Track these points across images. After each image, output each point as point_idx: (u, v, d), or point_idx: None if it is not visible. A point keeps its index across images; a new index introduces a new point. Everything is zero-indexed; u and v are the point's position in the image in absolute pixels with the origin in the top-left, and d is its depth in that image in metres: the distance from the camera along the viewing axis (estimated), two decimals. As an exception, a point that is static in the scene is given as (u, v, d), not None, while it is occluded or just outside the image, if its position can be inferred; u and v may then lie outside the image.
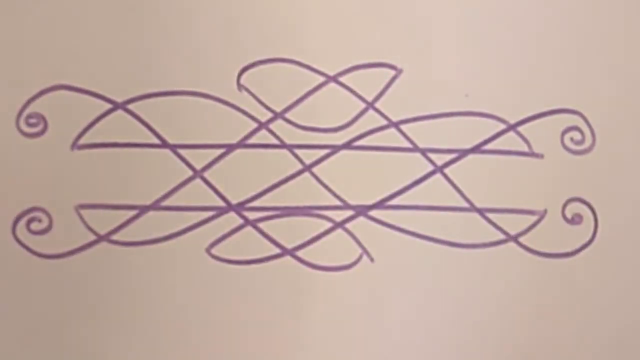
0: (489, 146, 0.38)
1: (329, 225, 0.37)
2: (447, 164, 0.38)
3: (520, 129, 0.38)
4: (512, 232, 0.38)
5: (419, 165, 0.38)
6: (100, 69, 0.37)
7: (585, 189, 0.38)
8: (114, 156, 0.37)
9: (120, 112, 0.37)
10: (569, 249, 0.38)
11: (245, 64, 0.38)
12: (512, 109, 0.39)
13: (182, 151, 0.37)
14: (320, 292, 0.37)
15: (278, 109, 0.38)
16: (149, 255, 0.37)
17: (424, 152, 0.38)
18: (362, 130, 0.38)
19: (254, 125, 0.38)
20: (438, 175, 0.38)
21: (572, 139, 0.39)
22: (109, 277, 0.36)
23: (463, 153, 0.38)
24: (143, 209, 0.37)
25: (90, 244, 0.36)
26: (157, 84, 0.37)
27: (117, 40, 0.37)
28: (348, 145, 0.38)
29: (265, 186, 0.37)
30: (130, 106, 0.37)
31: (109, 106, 0.37)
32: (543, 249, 0.38)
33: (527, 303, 0.38)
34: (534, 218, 0.38)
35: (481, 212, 0.38)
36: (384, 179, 0.38)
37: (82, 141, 0.37)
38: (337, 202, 0.38)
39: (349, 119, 0.38)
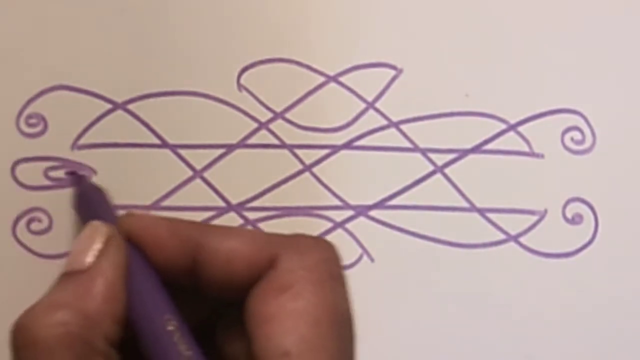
0: (489, 146, 0.38)
1: (329, 225, 0.37)
2: (448, 164, 0.38)
3: (521, 128, 0.38)
4: (513, 232, 0.38)
5: (419, 165, 0.38)
6: (100, 69, 0.37)
7: (585, 188, 0.38)
8: (114, 156, 0.37)
9: (120, 112, 0.37)
10: (569, 249, 0.38)
11: (245, 64, 0.38)
12: (513, 109, 0.39)
13: (182, 151, 0.37)
14: (320, 292, 0.37)
15: (278, 109, 0.38)
16: (149, 256, 0.37)
17: (424, 152, 0.38)
18: (363, 130, 0.38)
19: (254, 125, 0.38)
20: (438, 175, 0.38)
21: (572, 139, 0.39)
22: (109, 277, 0.36)
23: (463, 153, 0.38)
24: (143, 209, 0.37)
25: (90, 244, 0.36)
26: (157, 84, 0.37)
27: (117, 40, 0.37)
28: (348, 145, 0.38)
29: (266, 186, 0.37)
30: (130, 106, 0.37)
31: (109, 106, 0.37)
32: (543, 249, 0.38)
33: (527, 303, 0.38)
34: (534, 218, 0.38)
35: (481, 212, 0.38)
36: (384, 179, 0.38)
37: (82, 141, 0.37)
38: (338, 202, 0.38)
39: (349, 119, 0.38)
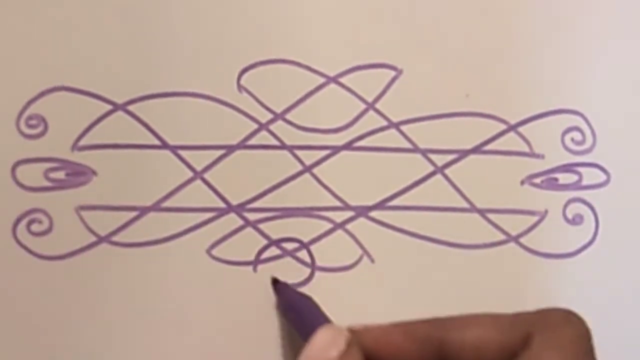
0: (489, 147, 0.38)
1: (329, 226, 0.37)
2: (448, 164, 0.38)
3: (521, 129, 0.38)
4: (513, 233, 0.38)
5: (420, 166, 0.38)
6: (100, 70, 0.37)
7: (586, 189, 0.38)
8: (114, 157, 0.37)
9: (120, 113, 0.37)
10: (569, 250, 0.38)
11: (245, 65, 0.38)
12: (513, 109, 0.39)
13: (182, 152, 0.37)
14: (320, 293, 0.37)
15: (278, 110, 0.38)
16: (150, 257, 0.37)
17: (424, 152, 0.38)
18: (363, 131, 0.38)
19: (255, 126, 0.38)
20: (438, 176, 0.38)
21: (572, 139, 0.39)
22: (109, 278, 0.36)
23: (463, 153, 0.38)
24: (143, 210, 0.37)
25: (90, 245, 0.37)
26: (157, 85, 0.37)
27: (117, 41, 0.37)
28: (348, 146, 0.38)
29: (266, 187, 0.37)
30: (131, 107, 0.37)
31: (109, 107, 0.37)
32: (544, 250, 0.38)
33: (527, 303, 0.38)
34: (534, 218, 0.38)
35: (482, 212, 0.38)
36: (385, 179, 0.38)
37: (82, 142, 0.37)
38: (338, 203, 0.38)
39: (349, 119, 0.38)
